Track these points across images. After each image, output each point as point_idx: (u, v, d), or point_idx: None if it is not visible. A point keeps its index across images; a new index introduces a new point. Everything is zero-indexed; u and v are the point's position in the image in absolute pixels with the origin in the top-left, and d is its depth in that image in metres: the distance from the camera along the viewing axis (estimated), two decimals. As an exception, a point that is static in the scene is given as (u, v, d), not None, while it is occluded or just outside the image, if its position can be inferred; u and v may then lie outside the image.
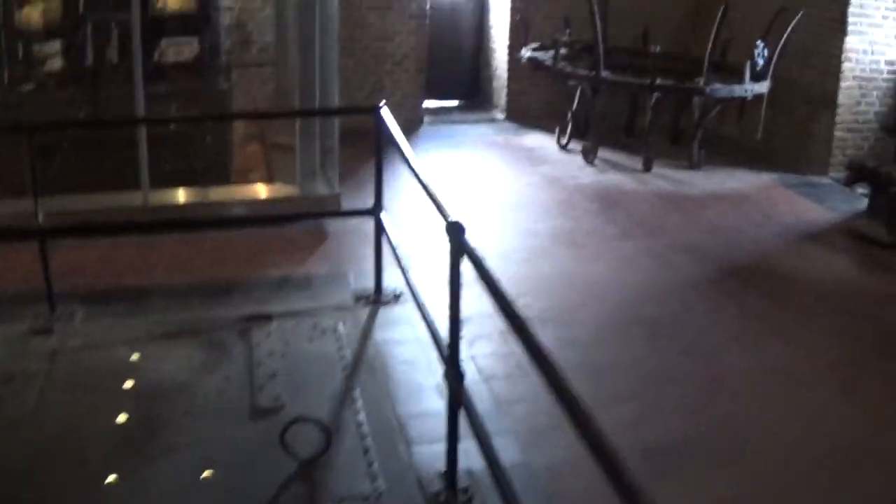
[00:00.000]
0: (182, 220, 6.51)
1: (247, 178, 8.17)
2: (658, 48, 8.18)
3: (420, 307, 4.31)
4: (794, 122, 9.03)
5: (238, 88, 8.42)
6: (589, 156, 8.79)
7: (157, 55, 8.02)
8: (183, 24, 7.73)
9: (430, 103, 11.03)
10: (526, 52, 9.51)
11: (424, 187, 3.96)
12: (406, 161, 4.44)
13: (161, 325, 5.25)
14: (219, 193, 7.29)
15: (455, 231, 3.29)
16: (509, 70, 10.48)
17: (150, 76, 7.59)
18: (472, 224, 6.83)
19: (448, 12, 11.28)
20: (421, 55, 10.43)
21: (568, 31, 9.32)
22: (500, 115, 10.89)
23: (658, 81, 8.21)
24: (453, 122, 10.80)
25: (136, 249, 6.39)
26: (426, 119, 10.69)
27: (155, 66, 7.84)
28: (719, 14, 8.14)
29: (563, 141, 9.30)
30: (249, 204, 7.18)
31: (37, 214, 5.12)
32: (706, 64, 8.09)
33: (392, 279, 5.43)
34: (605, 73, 8.53)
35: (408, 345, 4.86)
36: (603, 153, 9.01)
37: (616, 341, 5.23)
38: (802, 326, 5.50)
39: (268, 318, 5.26)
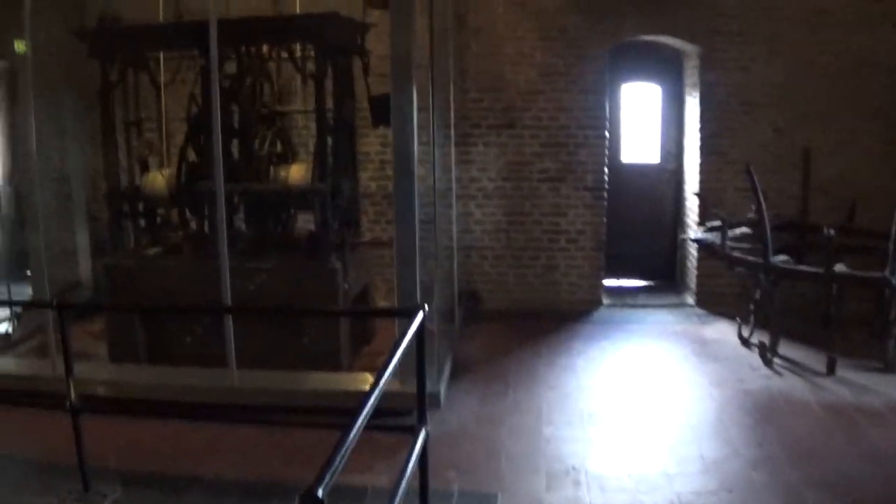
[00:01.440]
0: (221, 410, 6.68)
1: (376, 364, 8.29)
2: (832, 231, 7.49)
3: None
4: None
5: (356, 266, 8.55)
6: (766, 354, 8.07)
7: (271, 228, 8.48)
8: (304, 197, 8.12)
9: (617, 282, 10.82)
10: (697, 232, 9.09)
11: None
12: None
13: (178, 523, 5.37)
14: (312, 381, 7.38)
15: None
16: (699, 248, 9.99)
17: (261, 249, 8.07)
18: (590, 436, 6.57)
19: (642, 178, 11.09)
20: (598, 231, 10.21)
21: (754, 206, 8.82)
22: (689, 300, 10.37)
23: (837, 269, 7.50)
24: (636, 305, 10.42)
25: (215, 431, 6.62)
26: (606, 301, 10.40)
27: (268, 239, 8.27)
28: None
29: (746, 334, 8.66)
30: (340, 395, 7.23)
31: (69, 391, 5.43)
32: (892, 249, 7.31)
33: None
34: (777, 259, 7.92)
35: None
36: (790, 348, 8.32)
37: None
38: None
39: (286, 533, 5.20)
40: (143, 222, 8.62)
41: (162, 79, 8.89)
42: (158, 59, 8.95)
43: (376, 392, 3.80)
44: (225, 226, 7.31)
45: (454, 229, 9.45)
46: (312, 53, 8.19)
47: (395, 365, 4.24)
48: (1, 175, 12.01)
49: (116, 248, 8.37)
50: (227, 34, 7.48)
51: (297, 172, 8.17)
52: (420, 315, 4.93)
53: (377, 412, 5.87)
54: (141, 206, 8.55)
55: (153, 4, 9.13)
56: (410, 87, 7.01)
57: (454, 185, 9.56)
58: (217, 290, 7.24)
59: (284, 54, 8.33)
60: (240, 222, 8.53)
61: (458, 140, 10.03)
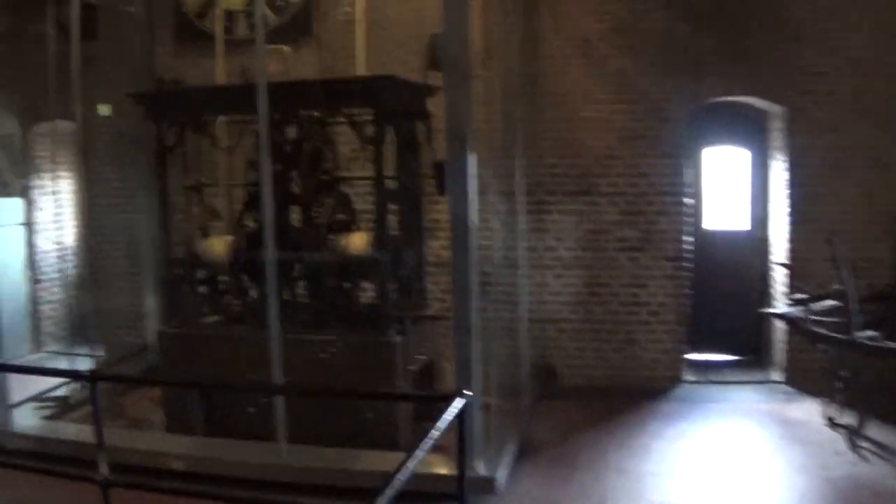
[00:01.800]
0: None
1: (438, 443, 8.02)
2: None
3: None
4: None
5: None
6: (852, 437, 7.58)
7: (332, 298, 8.30)
8: (363, 267, 8.00)
9: (700, 356, 10.50)
10: (782, 305, 8.64)
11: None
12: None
13: None
14: (365, 460, 7.19)
15: None
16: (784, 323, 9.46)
17: (322, 320, 7.97)
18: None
19: (728, 247, 10.68)
20: (681, 304, 9.81)
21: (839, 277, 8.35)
22: (776, 376, 9.84)
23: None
24: (720, 382, 9.93)
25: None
26: (688, 377, 9.95)
27: (329, 310, 8.12)
28: None
29: (833, 414, 8.13)
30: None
31: (99, 463, 5.34)
32: None
33: None
34: (863, 335, 7.43)
35: None
36: (880, 430, 7.80)
37: None
38: None
39: None
40: (204, 289, 8.58)
41: (223, 142, 8.90)
42: (222, 123, 9.00)
43: (395, 482, 3.67)
44: (275, 298, 7.24)
45: (524, 301, 9.20)
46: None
47: (423, 453, 4.07)
48: (74, 236, 12.31)
49: (173, 314, 8.34)
50: (280, 97, 7.48)
51: (358, 241, 8.03)
52: (460, 403, 4.63)
53: (426, 497, 5.68)
54: (202, 273, 8.52)
55: (219, 67, 9.25)
56: (465, 154, 6.84)
57: (523, 255, 9.33)
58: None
59: (343, 118, 8.23)
60: (296, 291, 8.44)
61: (533, 208, 9.88)
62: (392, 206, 8.17)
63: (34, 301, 11.96)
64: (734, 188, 10.73)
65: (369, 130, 7.81)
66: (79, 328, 12.32)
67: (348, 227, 8.41)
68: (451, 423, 4.43)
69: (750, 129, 10.52)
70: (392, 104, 7.80)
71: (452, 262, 7.06)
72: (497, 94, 9.27)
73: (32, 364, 11.28)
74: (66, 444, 7.73)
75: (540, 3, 9.89)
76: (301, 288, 8.42)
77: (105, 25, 11.20)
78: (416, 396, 7.05)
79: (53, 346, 11.91)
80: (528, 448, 7.94)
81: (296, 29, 10.43)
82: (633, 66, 9.74)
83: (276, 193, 7.96)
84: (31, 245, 11.93)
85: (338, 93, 7.82)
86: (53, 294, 12.22)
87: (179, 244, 8.52)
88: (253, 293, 8.30)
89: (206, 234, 8.60)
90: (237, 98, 8.09)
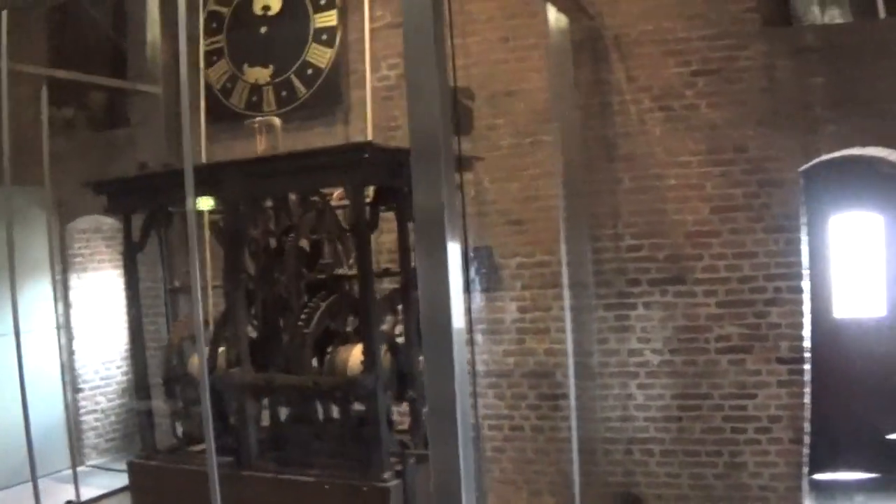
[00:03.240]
0: None
1: None
2: None
3: None
4: None
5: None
6: None
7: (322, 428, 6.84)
8: (349, 390, 6.40)
9: (827, 475, 8.72)
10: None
11: None
12: None
13: None
14: None
15: None
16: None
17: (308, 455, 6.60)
18: None
19: (860, 338, 8.67)
20: (798, 416, 7.82)
21: None
22: (924, 502, 7.72)
23: None
24: (849, 510, 7.89)
25: None
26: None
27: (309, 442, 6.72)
28: None
29: None
30: None
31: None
32: None
33: None
34: None
35: None
36: None
37: None
38: None
39: None
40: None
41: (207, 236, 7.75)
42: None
43: None
44: (212, 432, 5.79)
45: (573, 416, 7.53)
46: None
47: None
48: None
49: (145, 442, 7.21)
50: (244, 177, 6.28)
51: (359, 355, 6.48)
52: None
53: None
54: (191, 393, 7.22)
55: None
56: (443, 241, 5.21)
57: (571, 360, 7.66)
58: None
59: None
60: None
61: (613, 301, 8.41)
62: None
63: (75, 411, 11.10)
64: (866, 264, 8.66)
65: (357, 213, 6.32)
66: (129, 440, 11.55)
67: (351, 338, 6.89)
68: None
69: (885, 190, 8.49)
70: (381, 179, 6.31)
71: (425, 378, 5.46)
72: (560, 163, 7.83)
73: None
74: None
75: (608, 47, 8.32)
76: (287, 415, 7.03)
77: (135, 110, 10.48)
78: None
79: (96, 460, 11.22)
80: None
81: (327, 99, 9.23)
82: (729, 118, 8.03)
83: (260, 297, 6.67)
84: (69, 350, 11.07)
85: (307, 168, 6.37)
86: (97, 403, 11.46)
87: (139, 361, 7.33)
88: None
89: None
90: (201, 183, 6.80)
